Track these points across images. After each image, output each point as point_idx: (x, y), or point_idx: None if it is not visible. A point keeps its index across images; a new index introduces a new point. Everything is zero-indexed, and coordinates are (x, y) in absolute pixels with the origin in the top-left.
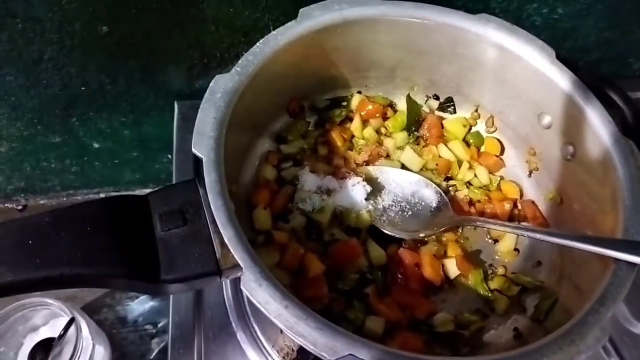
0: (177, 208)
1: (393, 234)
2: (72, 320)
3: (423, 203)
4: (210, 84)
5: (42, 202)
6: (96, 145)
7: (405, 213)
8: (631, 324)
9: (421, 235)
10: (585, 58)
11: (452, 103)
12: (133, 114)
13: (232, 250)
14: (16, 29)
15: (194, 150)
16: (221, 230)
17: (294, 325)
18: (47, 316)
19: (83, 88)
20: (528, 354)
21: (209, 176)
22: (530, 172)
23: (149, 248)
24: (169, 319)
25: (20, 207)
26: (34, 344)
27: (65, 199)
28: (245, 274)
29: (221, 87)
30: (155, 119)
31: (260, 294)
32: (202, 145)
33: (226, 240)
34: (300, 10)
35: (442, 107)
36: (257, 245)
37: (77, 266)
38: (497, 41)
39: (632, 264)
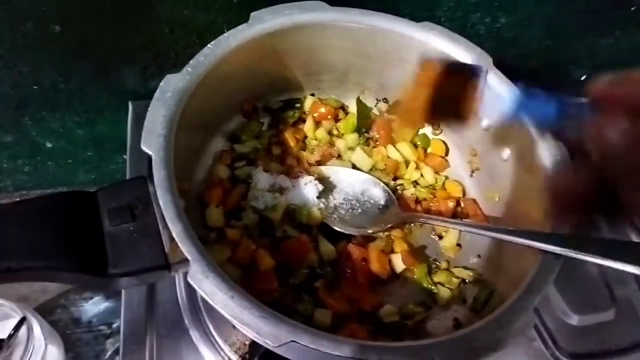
0: (126, 204)
1: (343, 230)
2: (22, 320)
3: (372, 201)
4: (161, 83)
5: None
6: (49, 145)
7: (355, 210)
8: (567, 315)
9: (369, 231)
10: (528, 65)
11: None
12: (87, 114)
13: (180, 245)
14: None
15: (143, 147)
16: (169, 225)
17: (239, 314)
18: None
19: (35, 87)
20: (461, 338)
21: (158, 173)
22: (472, 172)
23: (97, 243)
24: (121, 315)
25: None
26: None
27: (18, 199)
28: (192, 267)
29: (172, 86)
30: (110, 119)
31: (207, 285)
32: (152, 143)
33: (174, 235)
34: (251, 13)
35: (391, 110)
36: (209, 242)
37: (24, 259)
38: (439, 48)
39: (557, 255)
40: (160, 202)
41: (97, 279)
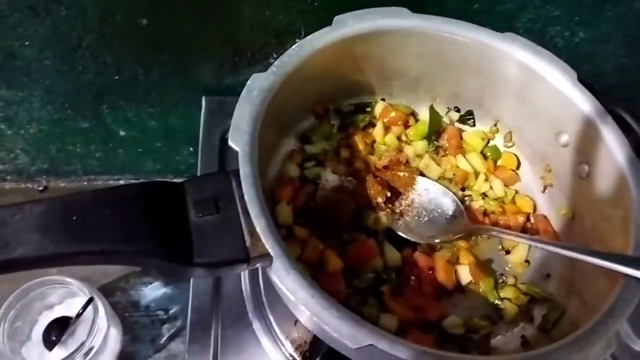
0: (211, 197)
1: (409, 238)
2: (90, 300)
3: (440, 210)
4: (248, 82)
5: (62, 184)
6: (122, 133)
7: (422, 219)
8: (633, 341)
9: (436, 240)
10: (602, 82)
11: (472, 116)
12: (161, 106)
13: (263, 240)
14: (60, 15)
15: (230, 143)
16: (254, 221)
17: (319, 313)
18: (64, 295)
19: (116, 77)
20: (539, 357)
21: (244, 168)
22: (545, 188)
23: (184, 232)
24: (189, 302)
25: (41, 188)
26: (48, 321)
27: (85, 183)
28: (275, 263)
29: (257, 85)
30: (182, 111)
31: (289, 282)
32: (238, 140)
33: (258, 230)
34: (335, 17)
35: (463, 120)
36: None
37: (118, 243)
38: (522, 60)
39: None
40: (246, 197)
41: (182, 267)
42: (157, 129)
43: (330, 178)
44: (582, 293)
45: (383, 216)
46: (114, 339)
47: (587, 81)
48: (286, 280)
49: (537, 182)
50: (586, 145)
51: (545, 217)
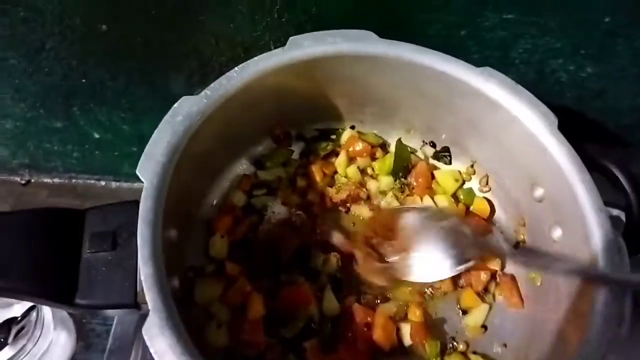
0: (111, 230)
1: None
2: (33, 306)
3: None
4: (174, 105)
5: (45, 180)
6: (96, 136)
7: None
8: None
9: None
10: (618, 121)
11: (448, 153)
12: (132, 112)
13: (145, 290)
14: (18, 16)
15: (137, 172)
16: (140, 266)
17: None
18: None
19: (83, 80)
20: None
21: (145, 203)
22: (518, 244)
23: (71, 268)
24: (111, 330)
25: (24, 182)
26: (1, 320)
27: (67, 180)
28: (150, 318)
29: (184, 109)
30: (154, 118)
31: (160, 343)
32: (148, 169)
33: (142, 278)
34: (290, 38)
35: (438, 156)
36: (206, 274)
37: None
38: (496, 99)
39: None
40: (138, 237)
41: (63, 306)
42: (131, 134)
43: (277, 210)
44: None
45: (333, 257)
46: (63, 345)
47: (598, 120)
48: (157, 341)
49: (510, 235)
50: (560, 204)
51: (512, 277)
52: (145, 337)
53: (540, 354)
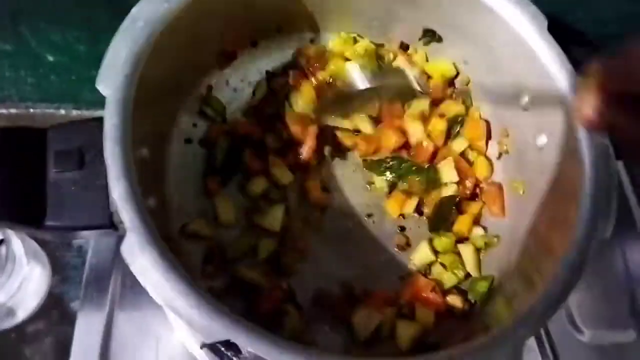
0: (76, 147)
1: None
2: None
3: None
4: (132, 10)
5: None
6: (51, 59)
7: None
8: (577, 329)
9: None
10: (601, 32)
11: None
12: (88, 30)
13: (119, 209)
14: None
15: (97, 86)
16: (110, 184)
17: (171, 300)
18: None
19: None
20: None
21: (110, 119)
22: (500, 155)
23: (38, 189)
24: (86, 261)
25: None
26: None
27: (23, 110)
28: (128, 236)
29: (145, 14)
30: (112, 36)
31: (142, 260)
32: (109, 82)
33: (114, 197)
34: None
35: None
36: None
37: None
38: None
39: None
40: (106, 154)
41: (32, 229)
42: (88, 56)
43: None
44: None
45: None
46: (38, 279)
47: (581, 29)
48: (138, 259)
49: (493, 145)
50: (547, 111)
51: (500, 186)
52: (125, 257)
53: (521, 262)
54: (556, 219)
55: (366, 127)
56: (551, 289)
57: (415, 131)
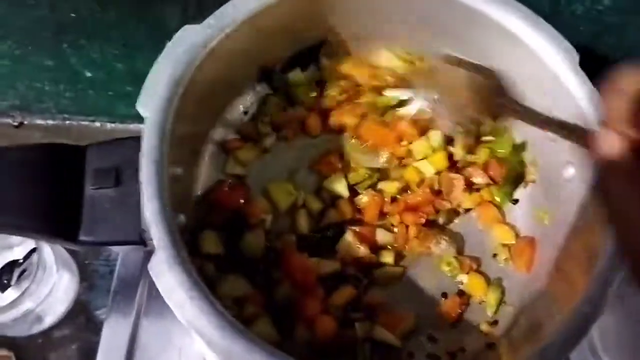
0: (113, 166)
1: None
2: (34, 248)
3: None
4: (176, 34)
5: (38, 121)
6: (89, 75)
7: None
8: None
9: None
10: (632, 60)
11: None
12: (125, 48)
13: (150, 226)
14: None
15: (137, 107)
16: (145, 202)
17: (193, 319)
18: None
19: (73, 14)
20: None
21: (149, 140)
22: (527, 184)
23: (74, 204)
24: (115, 271)
25: (16, 124)
26: (4, 262)
27: (60, 122)
28: (156, 255)
29: (187, 40)
30: (148, 56)
31: (169, 278)
32: (149, 104)
33: (147, 214)
34: None
35: None
36: None
37: None
38: (514, 32)
39: None
40: (142, 173)
41: (67, 243)
42: (125, 73)
43: None
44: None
45: None
46: (67, 286)
47: (611, 57)
48: (163, 277)
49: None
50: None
51: (532, 240)
52: (152, 275)
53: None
54: (580, 250)
55: None
56: (572, 322)
57: None
